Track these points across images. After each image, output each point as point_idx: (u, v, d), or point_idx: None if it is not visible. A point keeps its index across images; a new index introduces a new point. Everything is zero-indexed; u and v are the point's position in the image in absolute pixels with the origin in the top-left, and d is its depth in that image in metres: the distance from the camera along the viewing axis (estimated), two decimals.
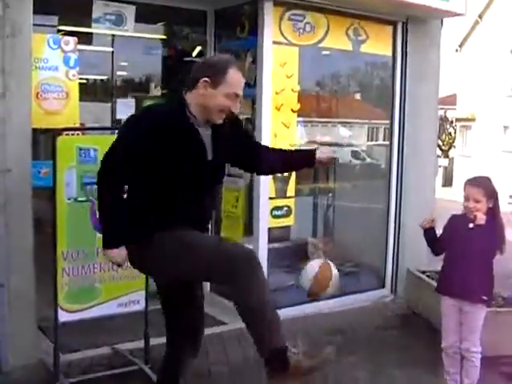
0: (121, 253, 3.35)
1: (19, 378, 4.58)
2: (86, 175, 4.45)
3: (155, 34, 7.32)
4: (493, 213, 4.22)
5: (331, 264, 4.11)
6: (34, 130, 4.85)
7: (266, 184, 5.97)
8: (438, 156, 26.05)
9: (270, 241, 6.18)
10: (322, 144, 8.09)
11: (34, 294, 4.77)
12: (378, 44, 6.80)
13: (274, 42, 5.91)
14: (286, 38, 6.03)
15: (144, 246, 3.31)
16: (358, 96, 8.38)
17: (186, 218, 3.37)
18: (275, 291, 6.08)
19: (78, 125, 5.47)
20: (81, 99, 5.46)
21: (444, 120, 30.67)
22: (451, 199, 12.31)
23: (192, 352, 3.69)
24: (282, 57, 6.00)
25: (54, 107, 5.28)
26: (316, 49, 6.42)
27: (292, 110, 6.19)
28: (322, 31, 6.28)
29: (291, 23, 6.08)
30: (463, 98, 28.53)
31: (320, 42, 6.32)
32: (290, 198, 6.30)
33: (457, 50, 29.39)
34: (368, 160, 9.28)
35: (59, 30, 5.80)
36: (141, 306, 4.76)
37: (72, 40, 5.37)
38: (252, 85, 6.13)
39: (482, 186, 4.26)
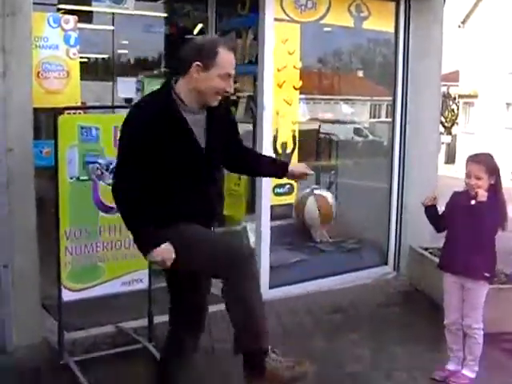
0: (169, 247, 3.26)
1: (23, 357, 4.60)
2: (88, 154, 4.44)
3: (156, 11, 7.28)
4: (494, 189, 4.21)
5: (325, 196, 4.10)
6: (35, 110, 4.82)
7: None
8: (441, 133, 26.00)
9: (273, 218, 6.18)
10: (324, 121, 8.10)
11: (37, 274, 4.79)
12: (381, 21, 6.75)
13: (276, 19, 5.86)
14: (287, 14, 5.98)
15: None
16: (360, 73, 8.35)
17: (191, 210, 3.35)
18: (278, 268, 6.13)
19: (79, 104, 5.45)
20: (82, 78, 5.45)
21: (447, 97, 30.55)
22: (454, 176, 12.28)
23: (195, 333, 3.68)
24: (283, 34, 5.96)
25: (54, 86, 5.27)
26: (318, 25, 6.38)
27: (294, 87, 6.16)
28: (323, 8, 6.23)
29: (293, 0, 6.03)
30: (466, 74, 28.44)
31: (322, 18, 6.27)
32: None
33: (459, 27, 29.21)
34: (370, 137, 9.28)
35: (59, 9, 5.77)
36: (144, 285, 4.77)
37: (72, 18, 5.35)
38: (253, 62, 6.11)
39: (484, 162, 4.25)
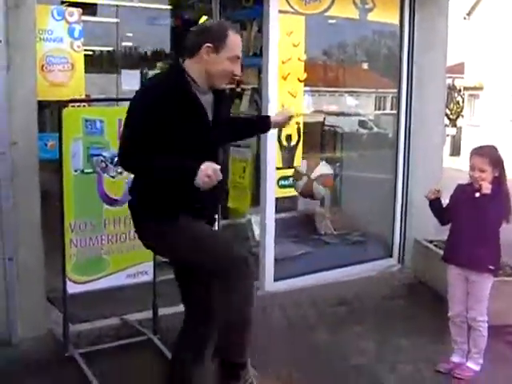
0: (208, 164, 3.13)
1: (29, 349, 4.61)
2: (92, 147, 4.44)
3: (160, 3, 7.27)
4: (499, 182, 4.20)
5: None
6: (40, 103, 4.82)
7: (273, 154, 5.95)
8: (446, 125, 25.94)
9: (277, 211, 6.18)
10: (329, 113, 8.09)
11: (42, 267, 4.79)
12: (385, 12, 6.72)
13: (280, 11, 5.85)
14: (292, 6, 5.96)
15: (161, 226, 3.29)
16: (365, 65, 8.34)
17: (197, 195, 3.28)
18: (282, 261, 6.14)
19: (83, 96, 5.45)
20: (86, 71, 5.45)
21: (452, 89, 30.44)
22: (459, 168, 12.26)
23: (210, 323, 3.57)
24: (288, 26, 5.94)
25: (59, 79, 5.27)
26: (322, 17, 6.35)
27: (299, 80, 6.14)
28: (328, 0, 6.21)
29: None
30: (471, 66, 28.30)
31: (326, 10, 6.25)
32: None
33: (465, 19, 29.08)
34: (375, 129, 9.26)
35: (63, 2, 5.75)
36: (149, 277, 4.78)
37: (76, 11, 5.35)
38: (258, 54, 6.10)
39: (487, 155, 4.24)
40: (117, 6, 6.65)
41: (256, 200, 6.29)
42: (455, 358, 4.52)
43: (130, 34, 7.75)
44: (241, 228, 6.84)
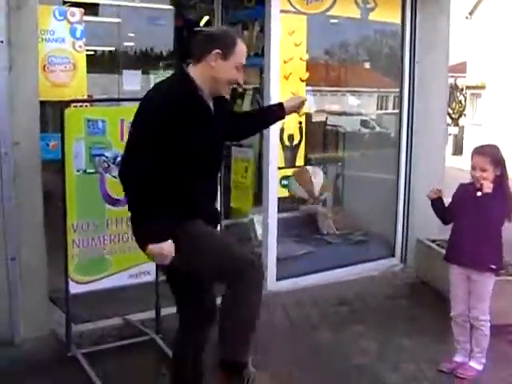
0: (172, 245, 3.19)
1: (31, 349, 4.62)
2: (94, 147, 4.44)
3: (162, 4, 7.27)
4: (500, 181, 4.20)
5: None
6: (42, 103, 4.83)
7: (275, 154, 5.95)
8: (448, 124, 25.90)
9: (280, 210, 6.18)
10: (331, 113, 8.09)
11: (44, 267, 4.80)
12: (387, 12, 6.73)
13: (282, 11, 5.85)
14: (293, 6, 5.97)
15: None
16: (367, 65, 8.33)
17: (199, 201, 3.35)
18: (285, 260, 6.14)
19: (85, 96, 5.46)
20: (88, 71, 5.44)
21: (454, 88, 30.40)
22: (461, 168, 12.24)
23: (207, 326, 3.62)
24: (289, 25, 5.95)
25: (61, 79, 5.27)
26: (324, 17, 6.36)
27: (300, 79, 6.15)
28: None
29: None
30: (473, 65, 28.27)
31: (328, 10, 6.25)
32: (299, 167, 6.28)
33: (467, 18, 29.05)
34: (377, 129, 9.25)
35: (65, 2, 5.76)
36: (151, 277, 4.78)
37: (78, 11, 5.35)
38: (260, 54, 6.10)
39: (489, 154, 4.23)
40: (118, 6, 6.65)
41: (258, 200, 6.29)
42: (458, 358, 4.51)
43: (132, 34, 7.76)
44: (243, 228, 6.84)
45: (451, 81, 27.18)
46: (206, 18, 7.13)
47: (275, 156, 5.96)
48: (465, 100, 31.25)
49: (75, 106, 4.69)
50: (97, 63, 7.17)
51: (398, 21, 6.83)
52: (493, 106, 25.65)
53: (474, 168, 4.24)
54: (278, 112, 3.85)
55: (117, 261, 4.63)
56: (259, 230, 6.47)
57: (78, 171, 4.41)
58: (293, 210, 7.42)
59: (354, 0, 6.40)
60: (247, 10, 6.39)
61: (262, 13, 5.92)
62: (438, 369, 4.50)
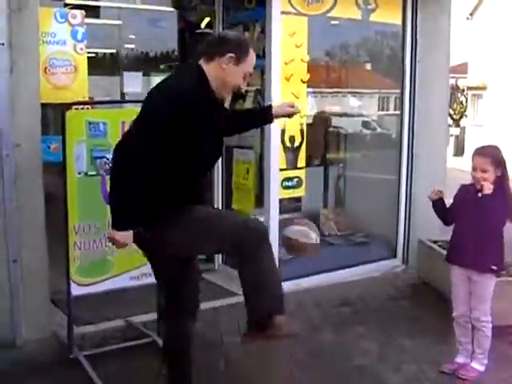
0: (129, 235, 3.26)
1: (33, 352, 4.63)
2: (95, 149, 4.45)
3: (163, 5, 7.27)
4: (501, 182, 4.19)
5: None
6: (43, 105, 4.84)
7: (276, 155, 5.96)
8: (450, 125, 25.89)
9: (281, 212, 6.19)
10: (332, 114, 8.09)
11: (46, 269, 4.81)
12: (388, 13, 6.73)
13: (283, 12, 5.86)
14: (294, 7, 5.97)
15: (157, 227, 3.30)
16: (367, 66, 8.32)
17: (196, 192, 3.43)
18: (286, 262, 6.13)
19: (86, 99, 5.46)
20: (89, 73, 5.45)
21: (455, 89, 30.39)
22: (462, 169, 12.23)
23: (193, 319, 3.72)
24: (290, 27, 5.96)
25: (62, 82, 5.28)
26: (325, 18, 6.37)
27: (301, 81, 6.15)
28: (331, 0, 6.22)
29: None
30: (474, 66, 28.26)
31: (329, 11, 6.26)
32: (300, 168, 6.28)
33: (468, 19, 29.04)
34: (379, 130, 9.25)
35: (66, 4, 5.77)
36: (153, 279, 4.71)
37: (79, 13, 5.35)
38: (261, 55, 6.10)
39: (489, 155, 4.22)
40: (119, 8, 6.66)
41: (260, 201, 6.29)
42: (460, 359, 4.51)
43: (133, 36, 7.76)
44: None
45: (452, 82, 27.17)
46: (206, 20, 7.13)
47: (276, 157, 5.97)
48: (466, 101, 31.23)
49: (76, 109, 4.69)
50: (98, 65, 7.17)
51: (399, 22, 6.84)
52: (494, 106, 25.63)
53: (474, 169, 4.23)
54: (266, 116, 3.91)
55: (118, 263, 4.63)
56: None
57: (80, 174, 4.41)
58: (294, 212, 7.42)
59: (354, 1, 6.41)
60: (248, 11, 6.38)
61: (263, 14, 5.92)
62: (440, 370, 4.49)
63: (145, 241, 3.39)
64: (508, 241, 4.38)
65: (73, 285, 4.46)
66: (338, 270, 6.55)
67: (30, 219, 4.67)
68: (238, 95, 6.70)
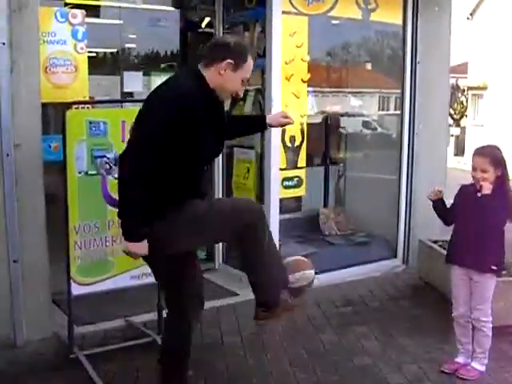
0: (144, 245, 3.29)
1: (34, 351, 4.63)
2: (96, 148, 4.44)
3: (163, 5, 7.27)
4: (501, 182, 4.19)
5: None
6: (44, 105, 4.84)
7: (276, 155, 5.96)
8: (450, 125, 25.90)
9: (282, 212, 6.19)
10: (334, 114, 8.09)
11: (47, 269, 4.81)
12: (388, 12, 6.73)
13: (283, 12, 5.85)
14: (295, 7, 5.97)
15: (157, 227, 3.30)
16: (368, 65, 8.33)
17: (195, 188, 3.45)
18: None
19: (87, 98, 5.46)
20: (90, 72, 5.45)
21: (455, 89, 30.41)
22: (463, 169, 12.26)
23: (198, 317, 3.76)
24: (291, 26, 5.95)
25: (62, 81, 5.28)
26: (325, 18, 6.37)
27: (302, 80, 6.15)
28: (331, 0, 6.21)
29: None
30: (475, 66, 28.27)
31: (329, 11, 6.25)
32: (301, 168, 6.28)
33: (468, 19, 29.05)
34: (379, 130, 9.25)
35: (66, 4, 5.77)
36: (153, 278, 4.75)
37: (80, 13, 5.35)
38: (261, 55, 6.10)
39: (489, 155, 4.21)
40: (120, 7, 6.65)
41: (260, 200, 6.29)
42: (460, 359, 4.50)
43: (134, 36, 7.76)
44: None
45: (453, 81, 27.18)
46: (207, 20, 7.13)
47: (277, 157, 5.97)
48: (466, 101, 31.25)
49: (77, 108, 4.69)
50: (98, 65, 7.17)
51: (400, 21, 6.84)
52: (494, 106, 25.64)
53: (474, 169, 4.23)
54: (261, 124, 3.97)
55: (119, 262, 4.63)
56: None
57: (80, 173, 4.41)
58: (295, 211, 7.43)
59: (355, 1, 6.41)
60: (248, 11, 6.38)
61: (263, 14, 5.91)
62: (440, 369, 4.49)
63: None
64: (508, 241, 4.38)
65: (73, 284, 4.46)
66: (339, 269, 6.54)
67: (31, 219, 4.66)
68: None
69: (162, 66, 7.92)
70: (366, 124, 9.51)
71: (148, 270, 4.67)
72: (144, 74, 7.02)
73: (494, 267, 4.28)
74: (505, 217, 4.21)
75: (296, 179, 6.23)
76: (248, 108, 6.78)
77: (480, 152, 4.26)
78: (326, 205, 7.86)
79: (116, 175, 4.33)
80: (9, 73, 4.46)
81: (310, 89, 6.52)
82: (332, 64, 8.00)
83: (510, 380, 4.43)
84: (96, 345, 4.74)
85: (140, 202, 3.18)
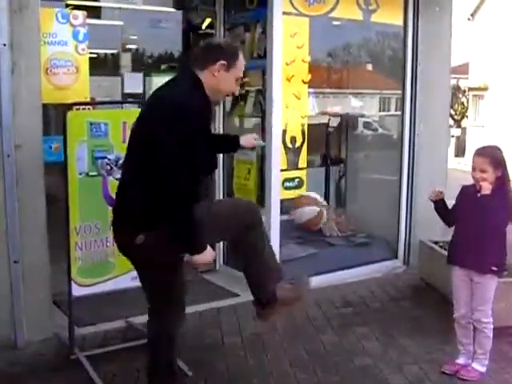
0: (210, 250, 3.35)
1: (34, 353, 4.63)
2: (97, 150, 4.44)
3: (164, 6, 7.28)
4: (501, 182, 4.18)
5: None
6: (45, 106, 4.84)
7: (277, 156, 5.95)
8: (451, 126, 25.90)
9: (282, 212, 6.19)
10: (334, 115, 8.09)
11: (48, 270, 4.81)
12: (389, 13, 6.73)
13: (284, 13, 5.85)
14: (295, 8, 5.97)
15: (158, 235, 3.28)
16: (369, 66, 8.33)
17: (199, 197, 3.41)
18: (287, 262, 6.13)
19: (88, 99, 5.46)
20: (90, 74, 5.45)
21: (456, 89, 30.41)
22: (464, 169, 12.25)
23: (182, 321, 3.76)
24: (292, 27, 5.95)
25: (63, 82, 5.28)
26: (326, 19, 6.37)
27: (303, 81, 6.15)
28: (332, 1, 6.21)
29: None
30: (476, 67, 28.28)
31: (330, 11, 6.26)
32: (301, 169, 6.28)
33: (469, 19, 29.07)
34: (380, 130, 9.25)
35: (67, 5, 5.77)
36: None
37: (81, 14, 5.35)
38: (262, 56, 6.11)
39: (488, 155, 4.21)
40: (120, 8, 6.66)
41: (261, 201, 6.29)
42: (461, 360, 4.50)
43: (134, 37, 7.77)
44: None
45: (453, 82, 27.18)
46: (208, 21, 7.13)
47: (278, 158, 5.96)
48: (467, 101, 31.26)
49: (78, 109, 4.69)
50: (99, 66, 7.17)
51: (401, 22, 6.84)
52: (495, 107, 25.66)
53: (474, 169, 4.23)
54: (234, 145, 4.06)
55: (119, 263, 4.62)
56: None
57: (81, 174, 4.41)
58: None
59: (356, 2, 6.41)
60: (249, 11, 6.38)
61: (264, 15, 5.91)
62: (441, 370, 4.49)
63: (136, 248, 3.39)
64: (509, 242, 4.37)
65: (74, 285, 4.46)
66: (339, 270, 6.54)
67: (32, 219, 4.67)
68: (240, 96, 6.72)
69: (163, 67, 7.92)
70: (366, 125, 9.51)
71: None
72: (145, 75, 7.03)
73: (494, 268, 4.27)
74: (505, 217, 4.20)
75: (297, 180, 6.23)
76: (249, 109, 6.79)
77: (480, 152, 4.26)
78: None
79: (116, 176, 4.36)
80: (10, 74, 4.47)
81: (311, 90, 6.52)
82: (333, 65, 8.00)
83: (510, 381, 4.43)
84: (96, 346, 4.74)
85: (189, 219, 3.20)
